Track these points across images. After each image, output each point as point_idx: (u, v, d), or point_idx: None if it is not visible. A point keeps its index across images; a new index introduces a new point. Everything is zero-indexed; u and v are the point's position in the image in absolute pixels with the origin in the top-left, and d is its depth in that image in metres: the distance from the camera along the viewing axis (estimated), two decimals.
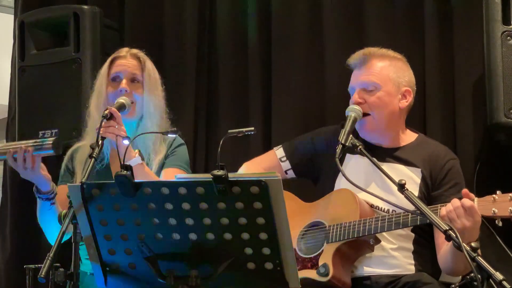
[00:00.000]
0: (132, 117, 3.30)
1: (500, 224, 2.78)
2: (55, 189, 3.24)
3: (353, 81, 3.25)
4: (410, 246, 3.11)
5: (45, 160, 3.22)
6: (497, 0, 3.45)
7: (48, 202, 3.21)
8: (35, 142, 3.16)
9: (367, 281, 3.07)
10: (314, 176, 3.36)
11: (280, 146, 3.43)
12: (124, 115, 3.21)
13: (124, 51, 3.38)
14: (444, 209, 2.81)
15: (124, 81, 3.29)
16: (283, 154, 3.38)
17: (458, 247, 2.42)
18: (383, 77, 3.19)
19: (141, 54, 3.39)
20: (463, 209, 2.77)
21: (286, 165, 3.38)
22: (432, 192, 3.13)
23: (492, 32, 3.44)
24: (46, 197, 3.21)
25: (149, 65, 3.38)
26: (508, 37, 3.44)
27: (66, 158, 3.45)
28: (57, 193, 3.23)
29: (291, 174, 3.39)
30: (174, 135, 3.15)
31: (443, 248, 3.01)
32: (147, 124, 3.29)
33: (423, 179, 3.14)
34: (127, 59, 3.34)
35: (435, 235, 3.08)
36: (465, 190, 2.85)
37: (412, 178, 3.14)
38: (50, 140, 3.14)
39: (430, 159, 3.17)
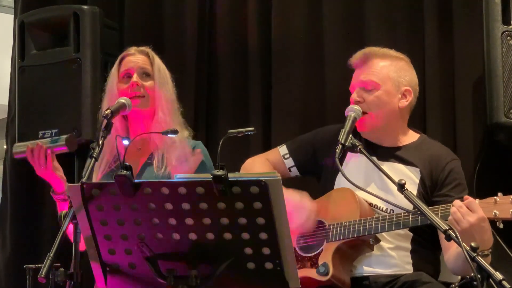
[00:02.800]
0: (146, 109, 3.32)
1: (501, 226, 2.78)
2: None
3: (353, 80, 3.25)
4: (408, 245, 3.11)
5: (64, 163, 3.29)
6: (497, 0, 3.45)
7: (65, 203, 3.23)
8: (51, 139, 3.25)
9: (365, 281, 3.07)
10: (318, 173, 3.37)
11: (283, 144, 3.43)
12: (138, 107, 3.24)
13: (132, 49, 3.42)
14: (451, 211, 2.80)
15: (135, 75, 3.32)
16: (286, 151, 3.39)
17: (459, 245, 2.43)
18: (382, 76, 3.19)
19: (149, 49, 3.42)
20: (466, 207, 2.76)
21: (289, 162, 3.38)
22: (435, 192, 3.12)
23: (492, 32, 3.44)
24: (62, 198, 3.25)
25: (158, 60, 3.41)
26: (508, 37, 3.44)
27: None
28: None
29: (294, 171, 3.39)
30: (174, 135, 3.15)
31: (452, 250, 2.97)
32: (161, 116, 3.31)
33: (422, 179, 3.14)
34: (136, 56, 3.38)
35: (440, 235, 3.06)
36: (465, 196, 2.85)
37: (411, 177, 3.13)
38: (64, 137, 3.23)
39: (431, 160, 3.17)
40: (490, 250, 2.70)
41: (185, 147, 3.32)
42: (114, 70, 3.40)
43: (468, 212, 2.75)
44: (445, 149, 3.27)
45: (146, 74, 3.35)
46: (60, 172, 3.28)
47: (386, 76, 3.19)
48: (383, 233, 3.06)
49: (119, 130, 3.24)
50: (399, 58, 3.27)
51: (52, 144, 3.40)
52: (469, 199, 2.78)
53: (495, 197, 2.79)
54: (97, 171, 3.31)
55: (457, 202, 2.79)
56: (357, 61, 3.25)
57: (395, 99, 3.20)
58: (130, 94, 3.27)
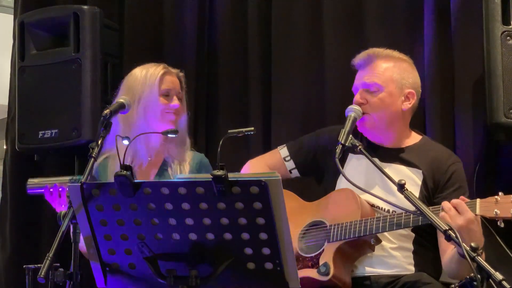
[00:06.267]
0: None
1: (502, 225, 2.78)
2: None
3: (356, 81, 3.24)
4: (410, 246, 3.11)
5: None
6: (497, 0, 3.45)
7: None
8: (71, 179, 3.35)
9: (366, 281, 3.07)
10: (318, 175, 3.36)
11: (284, 145, 3.42)
12: (171, 123, 3.39)
13: (170, 68, 3.49)
14: (440, 214, 2.81)
15: (175, 97, 3.44)
16: (287, 153, 3.38)
17: (461, 252, 2.43)
18: (386, 78, 3.18)
19: (182, 74, 3.53)
20: (454, 210, 2.77)
21: (290, 164, 3.37)
22: (436, 195, 3.12)
23: (492, 32, 3.44)
24: None
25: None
26: (508, 37, 3.44)
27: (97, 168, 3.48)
28: None
29: (295, 173, 3.38)
30: (174, 135, 3.17)
31: (447, 253, 2.99)
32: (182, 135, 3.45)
33: (424, 181, 3.13)
34: (174, 77, 3.47)
35: (439, 239, 3.07)
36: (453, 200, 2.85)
37: (414, 179, 3.13)
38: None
39: (433, 162, 3.16)
40: (481, 251, 2.71)
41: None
42: (154, 81, 3.42)
43: (457, 214, 2.75)
44: (447, 152, 3.27)
45: (179, 97, 3.47)
46: None
47: (389, 78, 3.18)
48: (386, 234, 3.06)
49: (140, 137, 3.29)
50: (402, 59, 3.26)
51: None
52: (457, 201, 2.79)
53: (496, 196, 2.79)
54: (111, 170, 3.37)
55: (446, 204, 2.80)
56: (360, 62, 3.24)
57: (398, 101, 3.19)
58: (168, 114, 3.40)
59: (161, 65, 3.48)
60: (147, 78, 3.44)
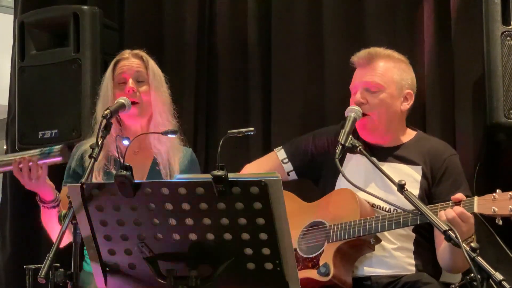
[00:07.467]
0: (142, 116, 3.32)
1: (500, 222, 2.78)
2: (59, 197, 3.23)
3: (356, 80, 3.23)
4: (411, 246, 3.11)
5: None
6: (497, 0, 3.45)
7: (54, 210, 3.22)
8: (41, 151, 3.19)
9: (367, 281, 3.08)
10: (316, 176, 3.36)
11: (281, 147, 3.42)
12: (135, 115, 3.26)
13: (126, 53, 3.39)
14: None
15: (130, 81, 3.30)
16: (285, 155, 3.38)
17: (457, 247, 2.43)
18: (387, 79, 3.18)
19: (143, 53, 3.39)
20: (459, 218, 2.78)
21: (288, 166, 3.37)
22: (432, 188, 3.13)
23: (492, 32, 3.44)
24: (52, 206, 3.22)
25: (152, 63, 3.38)
26: (508, 37, 3.44)
27: (73, 159, 3.38)
28: (61, 194, 3.23)
29: (293, 176, 3.38)
30: (175, 135, 3.17)
31: (442, 246, 3.01)
32: (158, 120, 3.31)
33: (424, 176, 3.14)
34: (130, 60, 3.35)
35: (435, 233, 3.09)
36: (453, 197, 2.86)
37: (413, 176, 3.14)
38: (57, 148, 3.19)
39: (430, 155, 3.17)
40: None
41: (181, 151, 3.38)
42: (108, 74, 3.36)
43: (461, 222, 2.78)
44: (443, 144, 3.28)
45: (141, 79, 3.32)
46: (48, 181, 3.21)
47: (390, 79, 3.18)
48: (387, 234, 3.06)
49: (113, 134, 3.17)
50: (401, 60, 3.26)
51: (44, 157, 3.22)
52: (460, 209, 2.80)
53: (494, 194, 2.80)
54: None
55: (449, 212, 2.81)
56: (361, 61, 3.24)
57: (398, 102, 3.20)
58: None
59: (122, 52, 3.37)
60: (106, 72, 3.36)
